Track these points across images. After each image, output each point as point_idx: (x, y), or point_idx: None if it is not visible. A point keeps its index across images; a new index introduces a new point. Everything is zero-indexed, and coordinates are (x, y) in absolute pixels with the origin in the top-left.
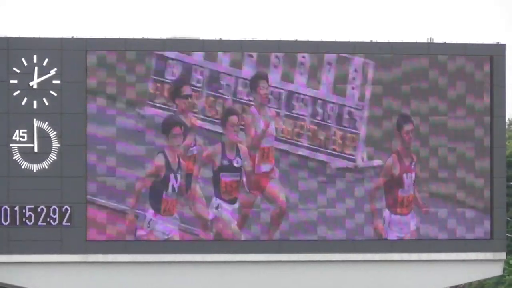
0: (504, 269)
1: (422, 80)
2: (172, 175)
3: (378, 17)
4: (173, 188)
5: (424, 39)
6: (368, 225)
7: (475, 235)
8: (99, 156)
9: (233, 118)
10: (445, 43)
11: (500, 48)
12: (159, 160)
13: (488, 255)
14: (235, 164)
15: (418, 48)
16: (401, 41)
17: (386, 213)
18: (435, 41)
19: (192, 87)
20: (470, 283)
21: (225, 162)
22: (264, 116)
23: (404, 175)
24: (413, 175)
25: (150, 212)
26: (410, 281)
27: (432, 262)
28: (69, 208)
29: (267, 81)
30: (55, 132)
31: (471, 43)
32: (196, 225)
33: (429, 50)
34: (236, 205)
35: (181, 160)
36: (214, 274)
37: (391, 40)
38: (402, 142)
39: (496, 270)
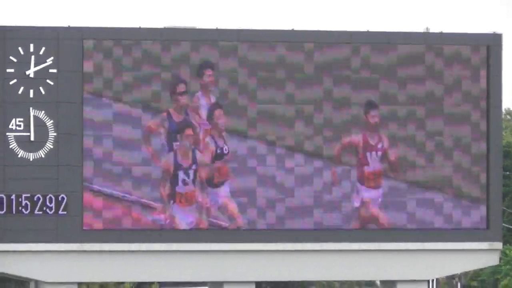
0: (500, 259)
1: (418, 65)
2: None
3: (374, 7)
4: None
5: (420, 29)
6: None
7: (471, 224)
8: (95, 144)
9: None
10: (441, 32)
11: (497, 38)
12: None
13: (484, 245)
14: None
15: (414, 38)
16: (397, 31)
17: None
18: (432, 30)
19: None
20: (466, 273)
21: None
22: None
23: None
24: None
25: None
26: (406, 270)
27: (427, 252)
28: (65, 197)
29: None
30: (51, 121)
31: (467, 32)
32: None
33: (425, 39)
34: None
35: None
36: (211, 263)
37: (386, 30)
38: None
39: (492, 260)
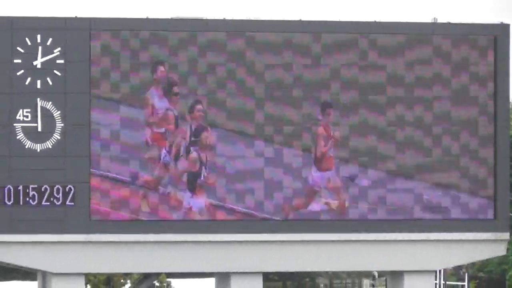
0: (507, 249)
1: (425, 68)
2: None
3: None
4: None
5: (428, 19)
6: None
7: (478, 215)
8: (103, 136)
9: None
10: (448, 23)
11: (504, 28)
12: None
13: (492, 235)
14: None
15: (421, 28)
16: (404, 21)
17: None
18: (439, 21)
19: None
20: (473, 264)
21: None
22: None
23: None
24: None
25: None
26: (413, 261)
27: (435, 242)
28: (72, 188)
29: None
30: (59, 112)
31: (474, 23)
32: None
33: (433, 30)
34: None
35: None
36: (218, 254)
37: (393, 20)
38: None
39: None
